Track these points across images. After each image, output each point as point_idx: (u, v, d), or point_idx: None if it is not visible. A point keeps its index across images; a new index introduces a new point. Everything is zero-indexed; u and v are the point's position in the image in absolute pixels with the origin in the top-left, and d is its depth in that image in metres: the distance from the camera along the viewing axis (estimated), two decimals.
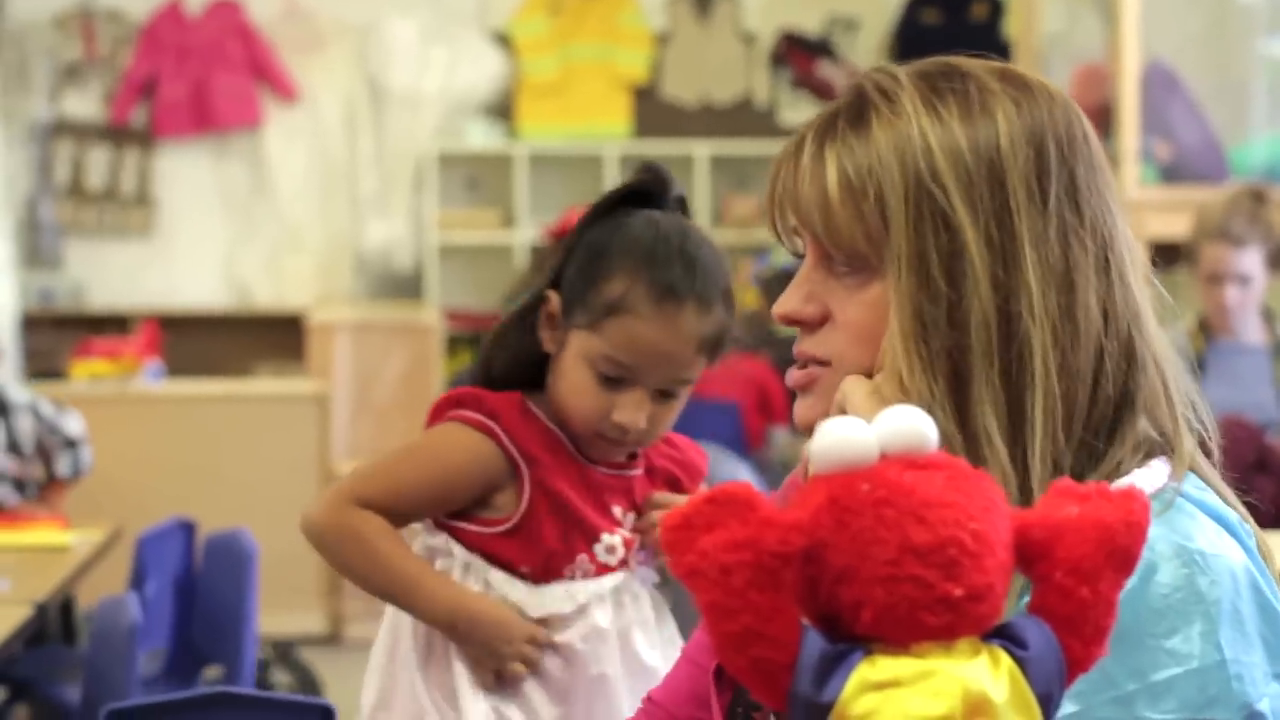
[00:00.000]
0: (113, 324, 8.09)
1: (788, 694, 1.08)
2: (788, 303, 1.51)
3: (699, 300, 2.07)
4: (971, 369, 1.41)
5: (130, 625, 3.40)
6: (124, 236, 8.52)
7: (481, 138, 8.60)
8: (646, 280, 2.06)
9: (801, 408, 1.51)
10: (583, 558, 2.13)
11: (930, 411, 1.33)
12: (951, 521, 1.08)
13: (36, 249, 8.42)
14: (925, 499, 1.08)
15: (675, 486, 2.20)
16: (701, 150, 8.60)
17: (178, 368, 7.65)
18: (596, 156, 8.57)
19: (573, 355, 2.10)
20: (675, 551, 1.07)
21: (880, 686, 1.07)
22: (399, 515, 2.13)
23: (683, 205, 2.16)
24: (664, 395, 2.11)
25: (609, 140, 8.65)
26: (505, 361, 2.16)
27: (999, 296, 1.41)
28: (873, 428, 1.11)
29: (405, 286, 8.61)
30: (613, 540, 2.14)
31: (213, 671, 4.08)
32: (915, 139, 1.43)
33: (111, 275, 8.48)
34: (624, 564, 2.16)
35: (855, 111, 1.47)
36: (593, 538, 2.13)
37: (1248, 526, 1.47)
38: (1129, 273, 1.47)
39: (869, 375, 1.46)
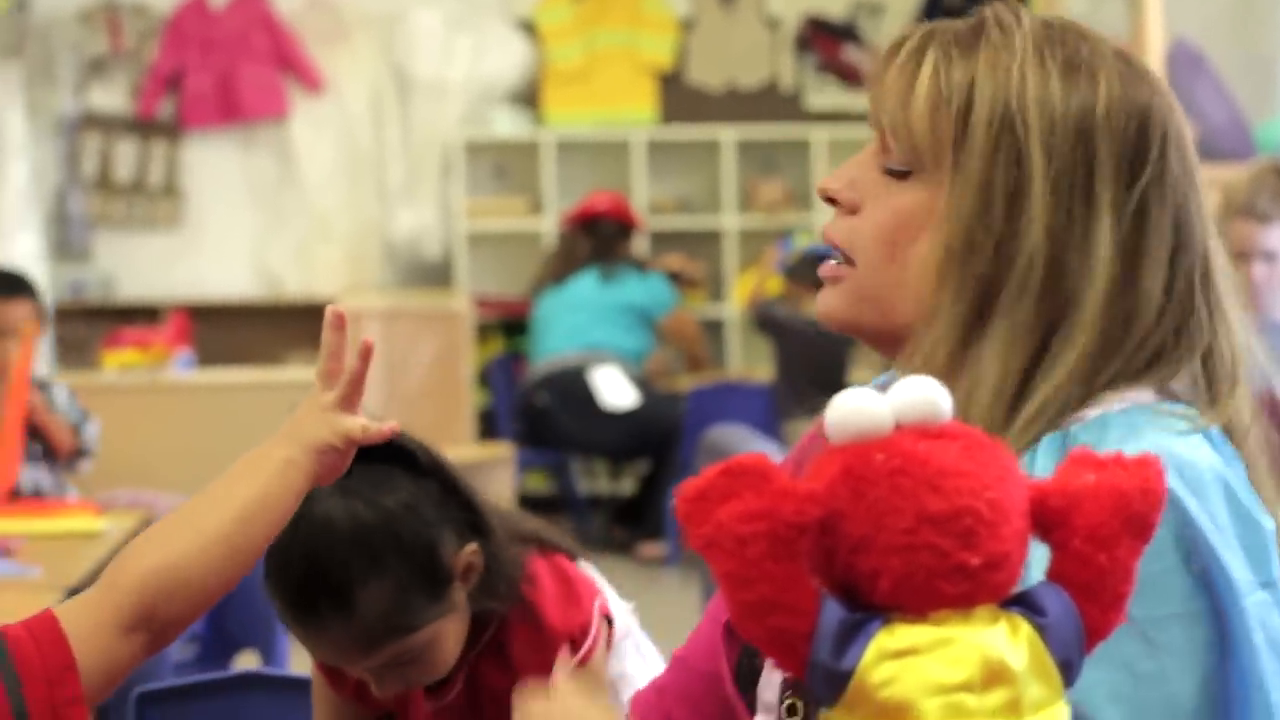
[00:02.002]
0: (143, 315, 8.11)
1: (807, 662, 1.09)
2: (833, 181, 1.53)
3: (334, 608, 1.81)
4: (998, 303, 1.43)
5: None
6: (152, 228, 8.55)
7: (508, 125, 8.61)
8: (279, 594, 1.85)
9: (823, 299, 1.54)
10: None
11: (938, 319, 1.39)
12: (967, 490, 1.09)
13: (66, 242, 8.45)
14: (940, 468, 1.09)
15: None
16: (728, 135, 8.59)
17: (208, 357, 7.67)
18: (623, 143, 8.58)
19: None
20: (691, 523, 1.08)
21: (899, 654, 1.08)
22: None
23: (436, 469, 1.92)
24: (394, 665, 1.86)
25: (635, 126, 8.65)
26: None
27: (1053, 245, 1.43)
28: (887, 398, 1.11)
29: (434, 274, 8.62)
30: None
31: (247, 656, 4.10)
32: (1014, 75, 1.46)
33: (141, 266, 8.51)
34: None
35: (970, 33, 1.50)
36: None
37: (1237, 460, 1.48)
38: (1216, 276, 1.51)
39: (887, 280, 1.48)
